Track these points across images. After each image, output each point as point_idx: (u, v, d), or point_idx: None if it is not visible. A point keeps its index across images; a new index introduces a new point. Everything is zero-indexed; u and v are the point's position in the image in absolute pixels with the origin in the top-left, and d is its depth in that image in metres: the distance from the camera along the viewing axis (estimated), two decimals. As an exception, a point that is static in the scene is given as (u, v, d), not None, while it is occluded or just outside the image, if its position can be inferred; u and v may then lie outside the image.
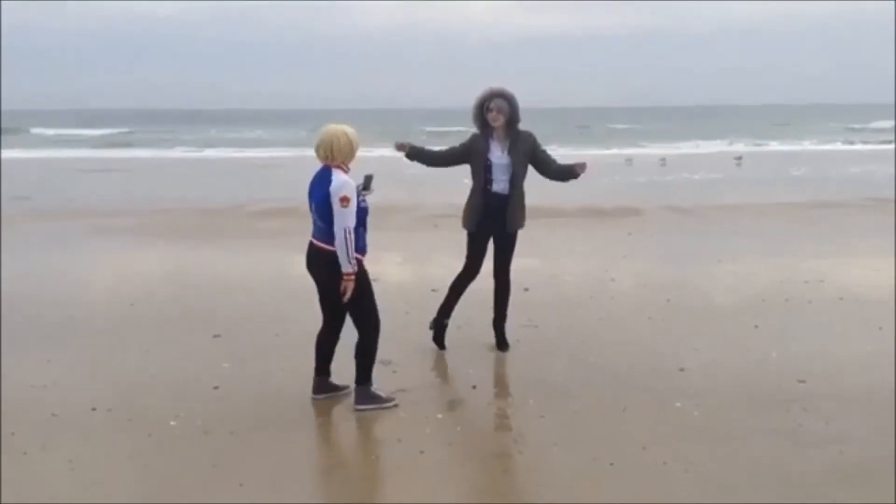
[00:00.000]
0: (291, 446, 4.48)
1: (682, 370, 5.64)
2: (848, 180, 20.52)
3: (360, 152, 4.93)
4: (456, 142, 6.04)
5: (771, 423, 4.71)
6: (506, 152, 5.72)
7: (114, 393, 5.24)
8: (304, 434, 4.73)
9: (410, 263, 9.53)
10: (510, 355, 6.03)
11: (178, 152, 35.92)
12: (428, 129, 53.98)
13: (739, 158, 27.51)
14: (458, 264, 6.05)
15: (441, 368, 5.86)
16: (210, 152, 36.10)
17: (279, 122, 69.19)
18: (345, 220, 4.62)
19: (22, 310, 7.26)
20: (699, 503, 3.83)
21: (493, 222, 5.82)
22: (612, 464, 4.21)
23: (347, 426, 4.83)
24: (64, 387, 5.40)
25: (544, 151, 5.88)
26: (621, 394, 5.20)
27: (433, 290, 7.56)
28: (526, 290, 7.49)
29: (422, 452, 4.38)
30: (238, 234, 12.04)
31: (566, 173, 5.89)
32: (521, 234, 5.92)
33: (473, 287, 6.01)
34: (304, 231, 4.92)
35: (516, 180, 5.74)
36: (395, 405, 4.99)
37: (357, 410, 4.93)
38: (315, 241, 4.84)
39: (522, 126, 5.82)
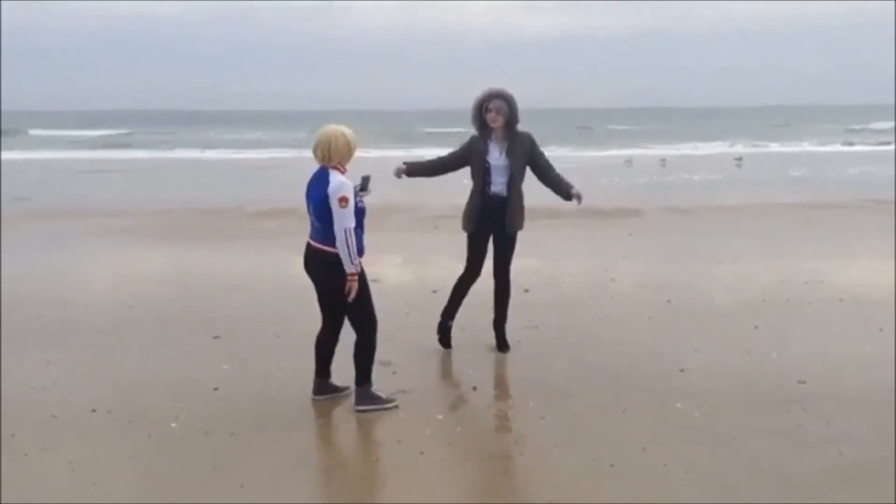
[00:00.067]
0: (292, 447, 4.48)
1: (682, 371, 5.64)
2: (848, 181, 20.53)
3: (359, 153, 4.93)
4: (456, 143, 6.04)
5: (771, 424, 4.71)
6: (504, 154, 5.72)
7: (114, 394, 5.24)
8: (304, 435, 4.73)
9: (411, 264, 9.53)
10: (510, 356, 6.03)
11: (177, 153, 35.91)
12: (428, 130, 54.04)
13: (740, 159, 27.50)
14: (458, 265, 6.06)
15: (441, 369, 5.86)
16: (210, 153, 36.11)
17: (279, 123, 69.17)
18: (344, 220, 4.62)
19: (22, 310, 7.26)
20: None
21: (492, 224, 5.82)
22: (612, 465, 4.21)
23: (348, 427, 4.83)
24: (64, 388, 5.40)
25: (543, 154, 5.87)
26: (621, 394, 5.20)
27: (434, 292, 7.56)
28: (526, 291, 7.49)
29: (422, 453, 4.38)
30: (238, 234, 12.04)
31: (561, 189, 5.87)
32: (521, 234, 5.92)
33: (474, 288, 6.01)
34: (303, 232, 4.92)
35: (514, 182, 5.74)
36: (396, 406, 4.99)
37: (357, 411, 4.93)
38: (312, 242, 4.83)
39: (523, 127, 5.82)
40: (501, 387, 5.61)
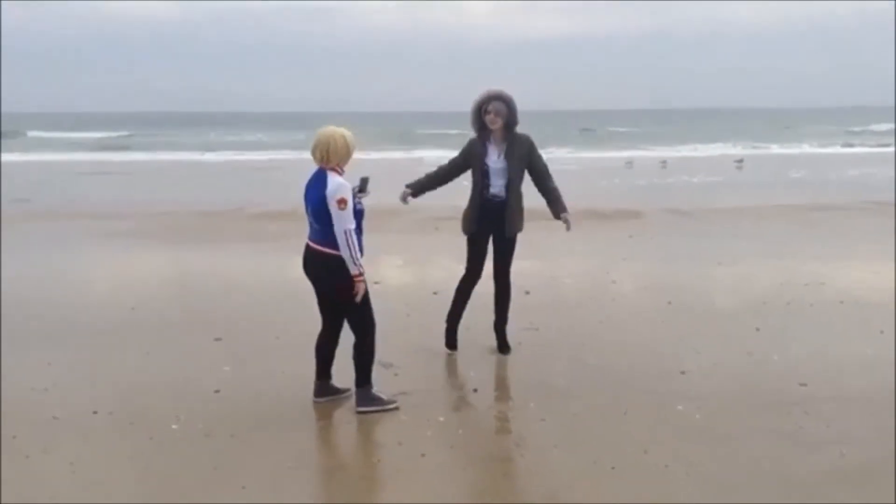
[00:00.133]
0: (292, 448, 4.48)
1: (683, 372, 5.64)
2: (848, 183, 20.55)
3: (359, 155, 4.93)
4: (455, 145, 6.04)
5: (772, 425, 4.71)
6: (502, 156, 5.71)
7: (115, 395, 5.24)
8: (305, 436, 4.72)
9: (411, 266, 9.53)
10: (511, 358, 6.03)
11: (177, 155, 35.92)
12: (427, 131, 54.05)
13: (740, 161, 27.47)
14: (459, 267, 6.06)
15: (442, 371, 5.85)
16: (210, 155, 36.13)
17: (279, 125, 69.24)
18: (344, 222, 4.62)
19: (23, 312, 7.26)
20: (701, 506, 3.84)
21: (491, 225, 5.81)
22: (613, 466, 4.21)
23: (348, 429, 4.83)
24: (65, 389, 5.40)
25: (541, 159, 5.83)
26: (622, 396, 5.20)
27: (434, 293, 7.57)
28: (527, 293, 7.50)
29: (423, 455, 4.38)
30: (238, 236, 12.05)
31: (553, 206, 5.85)
32: (521, 236, 5.91)
33: (475, 290, 6.01)
34: (304, 233, 4.92)
35: (513, 184, 5.72)
36: (396, 408, 4.99)
37: (358, 413, 4.93)
38: (311, 244, 4.83)
39: (524, 129, 5.82)
40: (502, 388, 5.61)
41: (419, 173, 6.13)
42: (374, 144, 35.41)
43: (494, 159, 5.71)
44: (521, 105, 5.77)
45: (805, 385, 5.36)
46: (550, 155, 6.00)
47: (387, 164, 25.84)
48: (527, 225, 5.91)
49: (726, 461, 4.27)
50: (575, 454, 4.37)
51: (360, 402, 4.97)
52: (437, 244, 10.25)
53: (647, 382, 5.44)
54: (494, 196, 5.75)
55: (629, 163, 27.20)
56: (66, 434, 4.66)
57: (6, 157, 29.92)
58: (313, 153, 4.72)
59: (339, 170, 4.73)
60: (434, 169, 6.03)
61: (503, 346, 6.11)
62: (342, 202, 4.60)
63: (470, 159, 5.80)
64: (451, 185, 6.00)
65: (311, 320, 5.17)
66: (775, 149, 38.62)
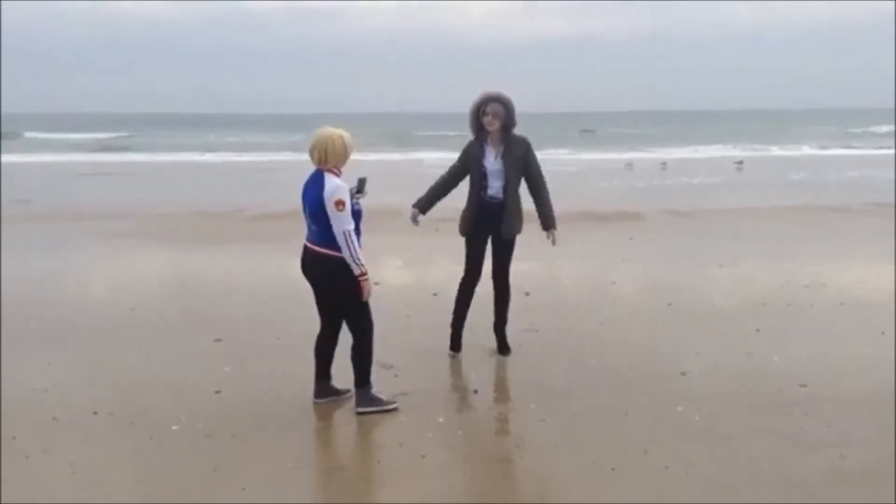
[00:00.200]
0: (292, 449, 4.48)
1: (683, 373, 5.63)
2: (848, 185, 20.56)
3: (358, 156, 4.93)
4: (454, 146, 6.03)
5: (772, 426, 4.71)
6: (499, 158, 5.70)
7: (115, 396, 5.24)
8: (305, 437, 4.72)
9: (411, 267, 9.54)
10: (511, 359, 6.02)
11: (177, 156, 35.93)
12: (426, 133, 54.07)
13: (740, 163, 27.48)
14: (458, 268, 6.05)
15: (442, 372, 5.85)
16: (209, 156, 36.14)
17: (278, 126, 69.23)
18: (342, 223, 4.61)
19: (23, 312, 7.26)
20: (701, 507, 3.83)
21: (488, 227, 5.80)
22: (613, 467, 4.20)
23: (348, 429, 4.83)
24: (65, 390, 5.39)
25: (537, 164, 5.80)
26: (622, 397, 5.19)
27: (434, 294, 7.57)
28: (527, 294, 7.50)
29: (423, 456, 4.37)
30: (238, 237, 12.05)
31: (543, 219, 5.86)
32: (520, 238, 5.90)
33: (475, 291, 6.00)
34: (303, 234, 4.92)
35: (510, 186, 5.70)
36: (396, 408, 4.98)
37: (358, 414, 4.93)
38: (309, 245, 4.83)
39: (525, 130, 5.81)
40: (502, 390, 5.61)
41: (419, 174, 6.14)
42: (372, 146, 35.45)
43: (492, 161, 5.71)
44: (520, 106, 5.77)
45: (805, 386, 5.35)
46: (550, 156, 6.00)
47: (385, 165, 25.87)
48: (526, 226, 5.90)
49: (726, 462, 4.27)
50: (575, 455, 4.37)
51: (359, 403, 4.97)
52: (437, 245, 10.23)
53: (648, 383, 5.44)
54: (492, 198, 5.75)
55: (629, 164, 27.22)
56: (67, 434, 4.66)
57: (4, 158, 29.88)
58: (311, 154, 4.72)
59: (337, 171, 4.73)
60: (436, 180, 5.99)
61: (503, 348, 6.10)
62: (340, 204, 4.59)
63: (468, 162, 5.79)
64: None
65: (311, 321, 5.17)
66: (775, 150, 38.63)
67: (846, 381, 5.49)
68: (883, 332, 6.50)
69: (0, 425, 4.71)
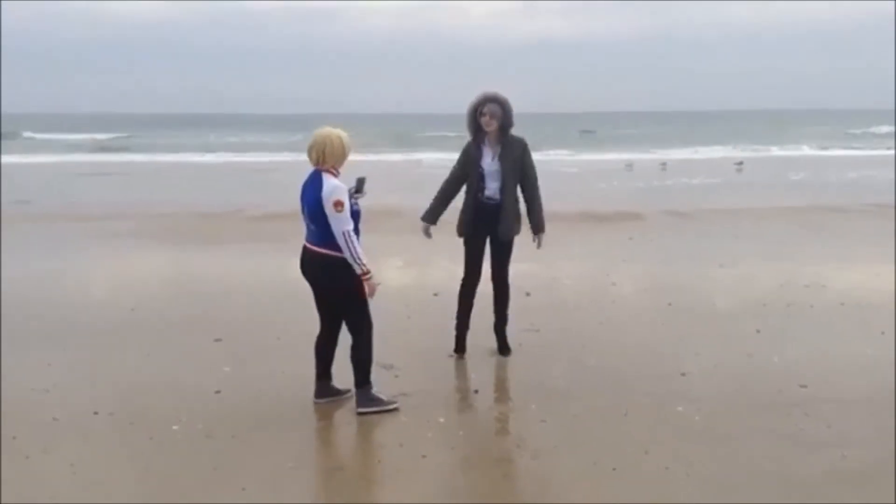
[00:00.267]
0: (293, 449, 4.48)
1: (683, 374, 5.63)
2: (848, 185, 20.57)
3: (358, 157, 4.93)
4: (454, 146, 6.02)
5: (772, 427, 4.71)
6: (496, 158, 5.69)
7: (115, 396, 5.24)
8: (305, 437, 4.72)
9: (411, 267, 9.53)
10: (512, 359, 6.02)
11: (177, 156, 35.92)
12: (426, 133, 54.08)
13: (740, 164, 27.46)
14: (458, 268, 6.05)
15: (443, 372, 5.84)
16: (209, 156, 36.13)
17: (278, 127, 69.23)
18: (342, 224, 4.61)
19: (23, 312, 7.26)
20: (701, 507, 3.83)
21: (486, 227, 5.79)
22: (613, 468, 4.20)
23: (349, 430, 4.83)
24: (65, 390, 5.39)
25: (532, 167, 5.78)
26: (623, 397, 5.19)
27: (435, 295, 7.58)
28: (527, 294, 7.50)
29: (424, 456, 4.37)
30: (238, 237, 12.05)
31: (533, 223, 5.86)
32: (520, 238, 5.90)
33: (476, 292, 6.00)
34: (303, 234, 4.92)
35: (507, 187, 5.70)
36: (397, 408, 4.98)
37: (358, 414, 4.93)
38: (309, 245, 4.83)
39: (524, 131, 5.81)
40: (503, 390, 5.61)
41: (418, 175, 6.15)
42: (372, 146, 35.44)
43: (489, 162, 5.70)
44: (520, 107, 5.77)
45: (805, 386, 5.35)
46: (550, 157, 6.00)
47: (385, 166, 25.86)
48: (525, 227, 5.89)
49: (727, 462, 4.27)
50: (575, 455, 4.37)
51: (360, 403, 4.96)
52: (437, 245, 10.19)
53: (648, 384, 5.44)
54: (489, 199, 5.74)
55: (629, 165, 27.21)
56: (67, 434, 4.66)
57: (5, 158, 29.86)
58: (309, 154, 4.72)
59: (335, 171, 4.73)
60: (438, 188, 5.97)
61: (503, 348, 6.10)
62: (339, 204, 4.59)
63: (467, 165, 5.78)
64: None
65: (311, 321, 5.17)
66: (775, 151, 38.64)
67: (846, 381, 5.49)
68: (883, 333, 6.50)
69: (0, 425, 4.71)
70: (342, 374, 5.11)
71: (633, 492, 3.96)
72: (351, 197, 4.74)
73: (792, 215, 14.07)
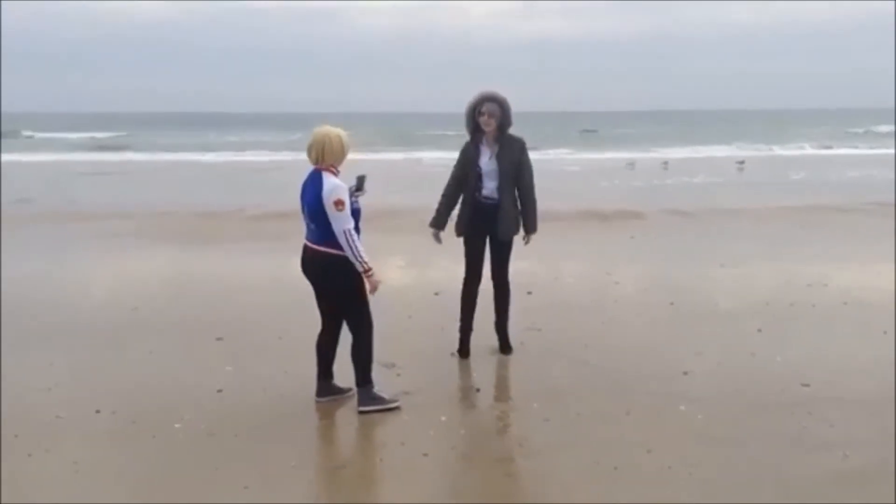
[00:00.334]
0: (295, 448, 4.47)
1: (685, 374, 5.63)
2: (849, 184, 20.54)
3: (358, 156, 4.92)
4: (454, 146, 6.01)
5: (774, 427, 4.70)
6: (494, 158, 5.68)
7: (117, 395, 5.24)
8: (307, 436, 4.73)
9: (413, 267, 9.52)
10: (513, 359, 6.02)
11: (177, 156, 35.90)
12: (427, 132, 54.06)
13: (742, 163, 27.43)
14: (460, 268, 6.04)
15: (444, 371, 5.84)
16: (210, 156, 36.11)
17: (278, 126, 69.17)
18: (342, 223, 4.61)
19: (25, 312, 7.26)
20: (704, 506, 3.83)
21: (485, 227, 5.79)
22: (615, 467, 4.20)
23: (350, 428, 4.83)
24: (67, 389, 5.39)
25: (529, 168, 5.77)
26: (624, 397, 5.19)
27: (436, 294, 7.57)
28: (529, 293, 7.49)
29: (425, 455, 4.37)
30: (239, 237, 12.04)
31: (525, 218, 5.84)
32: (518, 237, 5.89)
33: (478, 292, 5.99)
34: (303, 233, 4.91)
35: (505, 186, 5.69)
36: (398, 407, 4.98)
37: (360, 413, 4.92)
38: (309, 244, 4.83)
39: (525, 130, 5.79)
40: (504, 389, 5.61)
41: (419, 174, 6.15)
42: (372, 146, 35.43)
43: (486, 161, 5.69)
44: (521, 106, 5.76)
45: (808, 386, 5.35)
46: (551, 156, 5.99)
47: (385, 165, 25.85)
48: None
49: (728, 462, 4.26)
50: (577, 455, 4.36)
51: (361, 402, 4.96)
52: (438, 245, 10.20)
53: (650, 383, 5.43)
54: (487, 198, 5.73)
55: (630, 164, 27.17)
56: (69, 433, 4.66)
57: (5, 157, 29.85)
58: (308, 153, 4.72)
59: (334, 170, 4.73)
60: (442, 193, 5.96)
61: (505, 347, 6.10)
62: (339, 203, 4.59)
63: (465, 165, 5.77)
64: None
65: (313, 320, 5.17)
66: (776, 150, 38.61)
67: (849, 381, 5.48)
68: (885, 332, 6.50)
69: (2, 424, 4.71)
70: (343, 372, 5.11)
71: (635, 491, 3.96)
72: (351, 195, 4.74)
73: (793, 214, 14.05)
